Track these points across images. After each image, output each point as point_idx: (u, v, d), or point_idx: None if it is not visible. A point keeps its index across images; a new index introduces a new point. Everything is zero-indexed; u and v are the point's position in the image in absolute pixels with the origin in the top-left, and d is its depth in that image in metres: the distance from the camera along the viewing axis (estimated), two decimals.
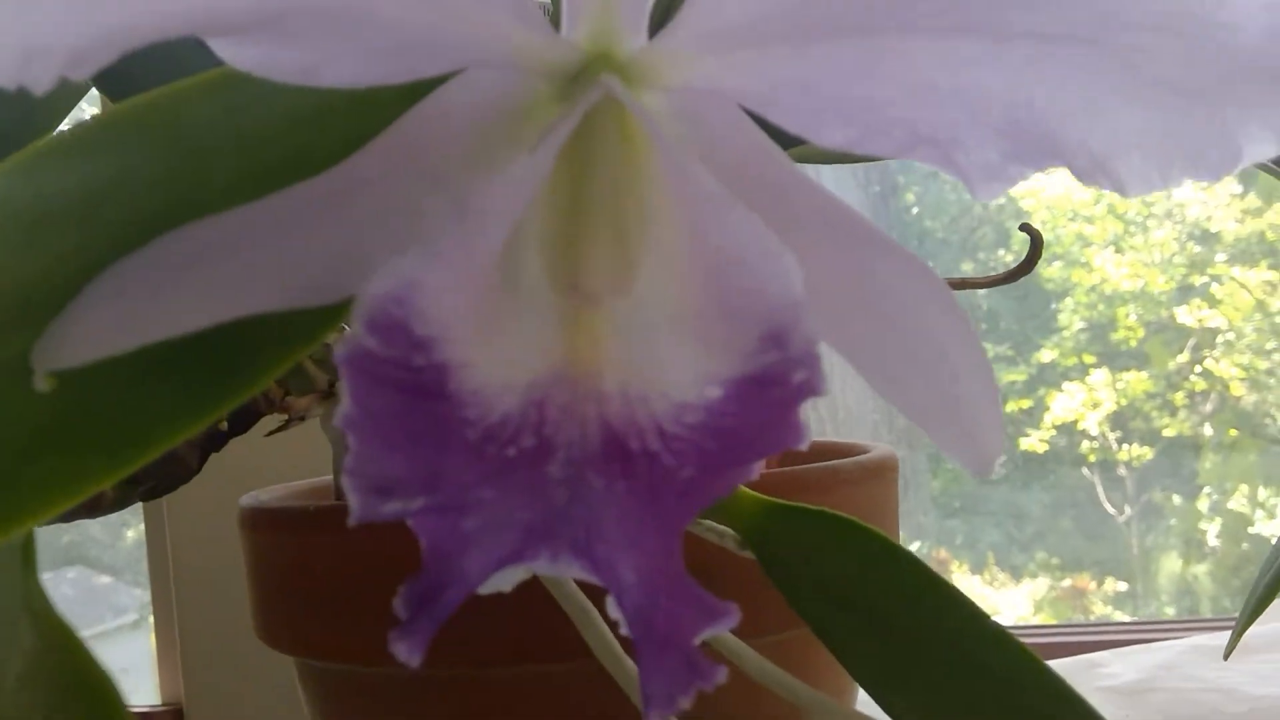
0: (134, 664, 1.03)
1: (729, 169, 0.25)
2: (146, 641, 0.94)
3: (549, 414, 0.23)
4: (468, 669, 0.39)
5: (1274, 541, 0.50)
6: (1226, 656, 0.47)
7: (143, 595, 0.98)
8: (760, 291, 0.22)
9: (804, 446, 0.23)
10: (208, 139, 0.25)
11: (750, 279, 0.22)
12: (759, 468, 0.24)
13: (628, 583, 0.23)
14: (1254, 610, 0.48)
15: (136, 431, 0.24)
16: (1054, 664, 0.70)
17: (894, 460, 0.44)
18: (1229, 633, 0.49)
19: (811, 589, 0.31)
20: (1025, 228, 0.38)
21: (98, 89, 0.30)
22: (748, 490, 0.33)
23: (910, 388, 0.27)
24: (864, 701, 0.33)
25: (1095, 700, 0.64)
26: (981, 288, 0.41)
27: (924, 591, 0.30)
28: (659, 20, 0.25)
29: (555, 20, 0.25)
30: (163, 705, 0.91)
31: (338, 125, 0.26)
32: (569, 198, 0.24)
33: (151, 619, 0.93)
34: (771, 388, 0.23)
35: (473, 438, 0.23)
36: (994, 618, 0.30)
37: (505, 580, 0.23)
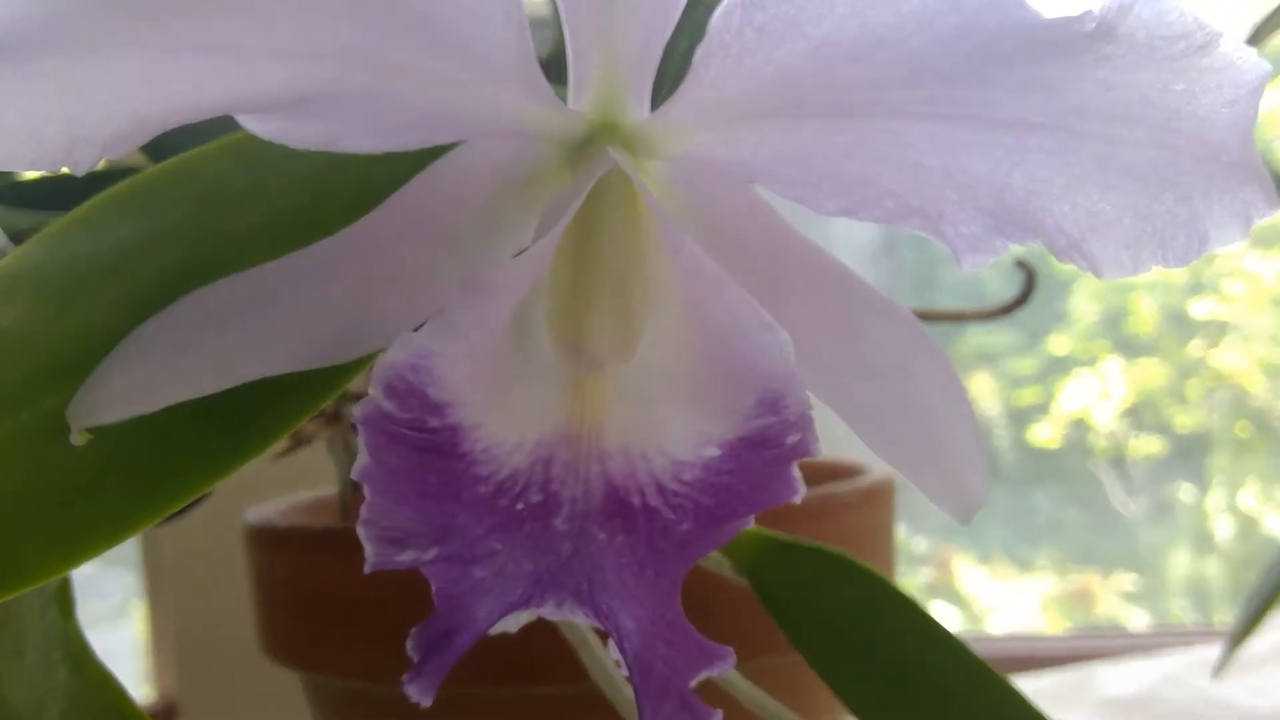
0: (120, 650, 1.03)
1: (728, 231, 0.27)
2: (129, 628, 0.95)
3: (555, 471, 0.24)
4: (472, 688, 0.40)
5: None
6: (1216, 675, 0.48)
7: (126, 581, 0.99)
8: (755, 362, 0.23)
9: (798, 499, 0.25)
10: (230, 200, 0.27)
11: (745, 350, 0.23)
12: (753, 519, 0.25)
13: (628, 629, 0.24)
14: (1244, 630, 0.49)
15: (168, 481, 0.25)
16: (1054, 676, 0.72)
17: (890, 484, 0.46)
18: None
19: (806, 622, 0.33)
20: (1020, 264, 0.39)
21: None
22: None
23: (898, 440, 0.28)
24: None
25: (1095, 713, 0.65)
26: (977, 321, 0.42)
27: (913, 627, 0.31)
28: (663, 91, 0.26)
29: (551, 75, 0.26)
30: (157, 701, 0.91)
31: (355, 181, 0.28)
32: (575, 263, 0.25)
33: (136, 605, 0.93)
34: (766, 449, 0.24)
35: (483, 493, 0.24)
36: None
37: (511, 623, 0.25)
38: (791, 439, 0.24)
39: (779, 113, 0.24)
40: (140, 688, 0.93)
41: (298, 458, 0.50)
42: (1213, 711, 0.60)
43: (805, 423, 0.24)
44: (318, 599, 0.44)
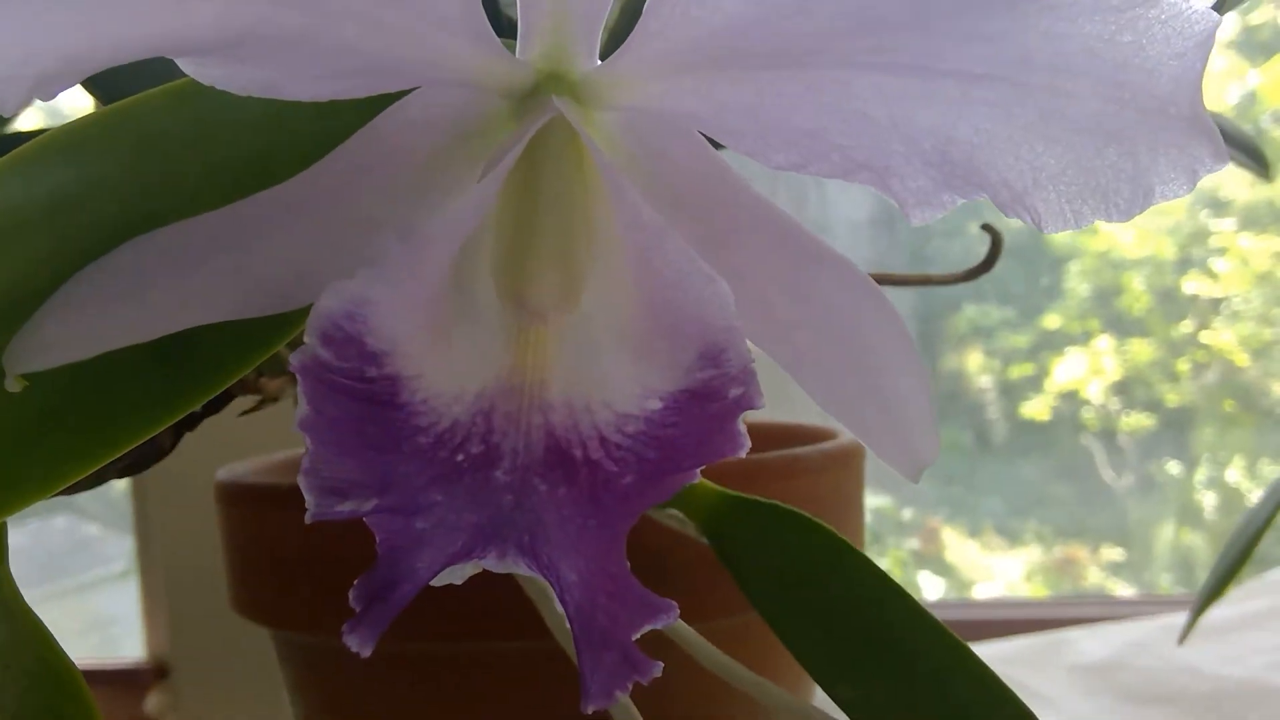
0: (123, 614, 1.03)
1: (675, 183, 0.26)
2: (135, 591, 0.95)
3: (496, 422, 0.24)
4: (439, 644, 0.40)
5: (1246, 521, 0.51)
6: (1181, 641, 0.48)
7: (129, 546, 0.99)
8: (696, 314, 0.23)
9: (743, 454, 0.24)
10: (174, 146, 0.26)
11: (686, 303, 0.23)
12: (698, 473, 0.25)
13: (569, 581, 0.24)
14: (1209, 597, 0.49)
15: (108, 429, 0.25)
16: (1025, 641, 0.72)
17: (859, 448, 0.45)
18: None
19: (762, 580, 0.33)
20: (986, 228, 0.39)
21: (86, 90, 0.31)
22: (706, 481, 0.34)
23: (845, 397, 0.28)
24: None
25: (1065, 678, 0.65)
26: (942, 284, 0.42)
27: (869, 588, 0.31)
28: (613, 42, 0.25)
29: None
30: (148, 661, 0.92)
31: (302, 130, 0.27)
32: (519, 212, 0.25)
33: (137, 571, 0.94)
34: (709, 402, 0.24)
35: (424, 444, 0.24)
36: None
37: (456, 575, 0.25)
38: (734, 392, 0.24)
39: (726, 63, 0.24)
40: (141, 649, 0.93)
41: (280, 419, 0.50)
42: (1183, 678, 0.61)
43: (747, 376, 0.24)
44: (283, 555, 0.43)
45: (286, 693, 0.48)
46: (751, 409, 0.24)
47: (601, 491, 0.24)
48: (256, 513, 0.45)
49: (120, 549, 1.07)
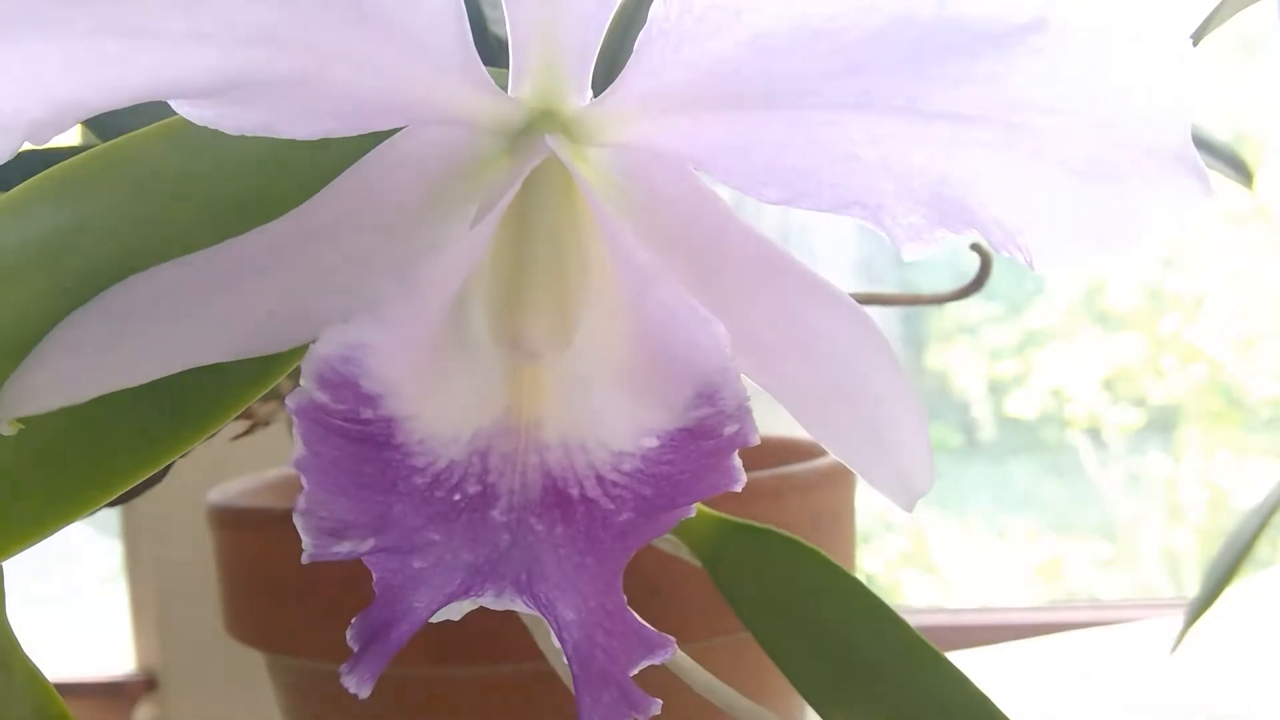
0: (107, 621, 1.02)
1: (668, 218, 0.27)
2: (120, 598, 0.95)
3: (492, 462, 0.24)
4: (434, 668, 0.40)
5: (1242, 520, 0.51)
6: (1174, 650, 0.48)
7: (118, 549, 0.99)
8: (691, 354, 0.23)
9: (738, 489, 0.25)
10: (166, 184, 0.26)
11: (682, 343, 0.23)
12: (695, 509, 0.25)
13: (567, 620, 0.24)
14: (1204, 604, 0.49)
15: (102, 471, 0.25)
16: (1015, 645, 0.72)
17: None
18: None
19: (758, 604, 0.33)
20: (975, 248, 0.39)
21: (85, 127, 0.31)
22: (699, 506, 0.34)
23: (840, 431, 0.28)
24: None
25: (1060, 684, 0.65)
26: (932, 304, 0.42)
27: (862, 611, 0.31)
28: (604, 79, 0.25)
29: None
30: (136, 673, 0.91)
31: (296, 167, 0.27)
32: (513, 251, 0.25)
33: (124, 576, 0.93)
34: (705, 439, 0.24)
35: (420, 484, 0.24)
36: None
37: (453, 612, 0.25)
38: (729, 430, 0.24)
39: (717, 103, 0.24)
40: (130, 662, 0.93)
41: (270, 435, 0.50)
42: (1174, 683, 0.61)
43: (743, 414, 0.24)
44: (278, 579, 0.43)
45: (280, 716, 0.48)
46: (746, 445, 0.24)
47: (598, 529, 0.24)
48: (249, 536, 0.45)
49: (106, 554, 1.05)
